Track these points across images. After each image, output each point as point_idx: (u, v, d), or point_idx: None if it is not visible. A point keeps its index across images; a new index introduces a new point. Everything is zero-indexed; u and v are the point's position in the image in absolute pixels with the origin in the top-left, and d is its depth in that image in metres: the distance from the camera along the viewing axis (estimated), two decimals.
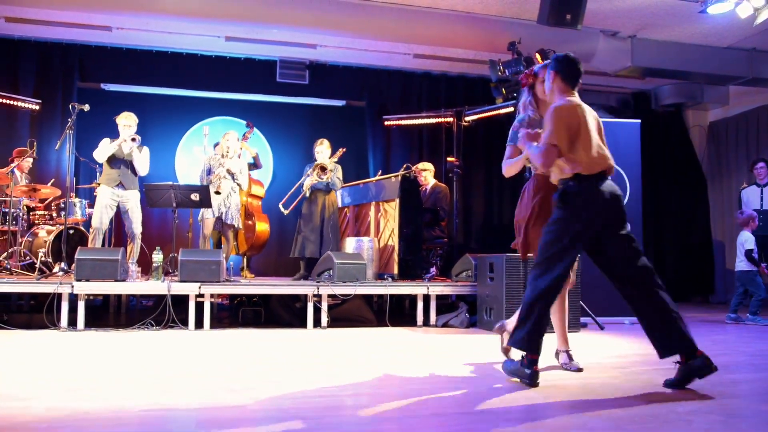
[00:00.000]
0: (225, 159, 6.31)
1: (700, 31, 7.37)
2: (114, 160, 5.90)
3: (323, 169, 6.38)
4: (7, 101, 7.17)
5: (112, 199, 5.87)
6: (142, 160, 5.98)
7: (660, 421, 2.41)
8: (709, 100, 9.26)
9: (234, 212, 6.31)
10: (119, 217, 6.18)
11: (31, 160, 6.76)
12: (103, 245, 6.15)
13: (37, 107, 7.34)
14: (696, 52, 7.76)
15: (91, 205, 6.75)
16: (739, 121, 9.43)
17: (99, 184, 6.00)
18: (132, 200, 5.92)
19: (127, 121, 5.96)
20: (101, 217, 5.82)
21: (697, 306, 8.63)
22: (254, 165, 7.23)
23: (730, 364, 3.76)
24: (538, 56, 6.12)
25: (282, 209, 6.82)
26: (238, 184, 6.37)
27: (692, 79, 8.56)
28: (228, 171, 6.26)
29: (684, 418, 2.45)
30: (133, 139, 5.88)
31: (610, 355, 4.10)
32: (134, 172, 5.98)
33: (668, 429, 2.30)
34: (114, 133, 6.10)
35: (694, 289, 9.56)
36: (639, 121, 6.59)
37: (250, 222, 7.00)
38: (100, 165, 6.12)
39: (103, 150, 5.87)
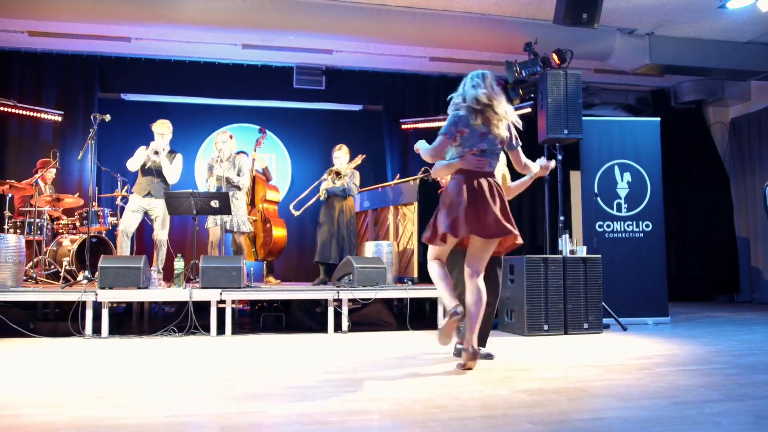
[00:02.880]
0: (218, 164, 6.27)
1: (720, 26, 7.27)
2: (145, 169, 6.05)
3: (338, 174, 6.40)
4: (31, 113, 7.30)
5: (140, 206, 6.01)
6: (171, 169, 6.05)
7: (688, 422, 2.37)
8: (730, 96, 9.13)
9: (240, 218, 6.27)
10: (144, 225, 6.28)
11: (54, 170, 6.88)
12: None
13: (60, 118, 7.47)
14: (715, 47, 7.66)
15: (114, 214, 6.85)
16: (761, 117, 9.27)
17: (132, 193, 6.16)
18: (159, 208, 6.01)
19: (160, 129, 6.06)
20: (126, 221, 5.97)
21: (723, 305, 8.49)
22: (264, 176, 7.25)
23: (759, 365, 3.69)
24: (554, 56, 6.09)
25: (293, 211, 6.85)
26: (237, 187, 6.28)
27: (712, 76, 8.44)
28: (220, 178, 6.19)
29: (712, 420, 2.41)
30: (156, 152, 5.95)
31: (633, 356, 4.05)
32: (165, 181, 6.07)
33: (697, 431, 2.26)
34: (137, 142, 6.19)
35: (719, 288, 9.40)
36: (659, 119, 6.52)
37: (267, 225, 7.03)
38: (133, 174, 6.23)
39: (133, 160, 6.04)
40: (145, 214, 6.11)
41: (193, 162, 8.52)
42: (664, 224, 6.37)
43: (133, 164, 6.07)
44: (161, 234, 6.06)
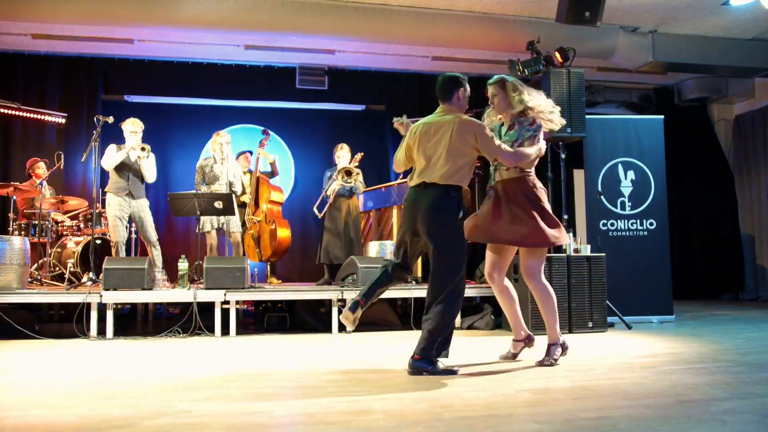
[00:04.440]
0: (222, 166, 6.26)
1: (723, 23, 7.25)
2: (122, 168, 5.88)
3: (348, 173, 6.38)
4: (35, 115, 7.31)
5: (122, 210, 5.85)
6: (151, 168, 5.98)
7: (693, 421, 2.37)
8: (734, 93, 9.09)
9: (235, 220, 6.26)
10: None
11: (43, 165, 6.85)
12: (128, 254, 6.23)
13: (63, 120, 7.48)
14: (719, 45, 7.63)
15: None
16: (765, 114, 9.23)
17: (106, 193, 5.98)
18: (141, 208, 5.94)
19: (133, 128, 5.90)
20: (118, 230, 5.83)
21: (728, 304, 8.47)
22: (271, 173, 7.26)
23: (764, 363, 3.68)
24: (557, 55, 6.07)
25: (317, 212, 6.80)
26: (234, 192, 6.29)
27: (716, 73, 8.41)
28: (230, 182, 6.24)
29: (718, 418, 2.40)
30: (143, 149, 5.86)
31: (638, 355, 4.04)
32: (142, 179, 5.99)
33: (702, 429, 2.26)
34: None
35: (724, 286, 9.37)
36: (662, 117, 6.50)
37: (272, 226, 7.05)
38: (107, 172, 6.09)
39: (111, 158, 5.86)
40: (129, 215, 5.95)
41: (195, 163, 8.53)
42: (668, 222, 6.35)
43: (111, 162, 5.86)
44: (150, 234, 5.97)
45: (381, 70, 8.69)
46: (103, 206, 6.88)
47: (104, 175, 7.50)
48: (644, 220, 6.23)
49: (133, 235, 6.58)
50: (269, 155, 7.25)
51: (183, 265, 5.41)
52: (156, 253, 5.99)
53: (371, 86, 8.80)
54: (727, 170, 9.68)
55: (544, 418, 2.41)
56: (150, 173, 5.98)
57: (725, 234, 9.50)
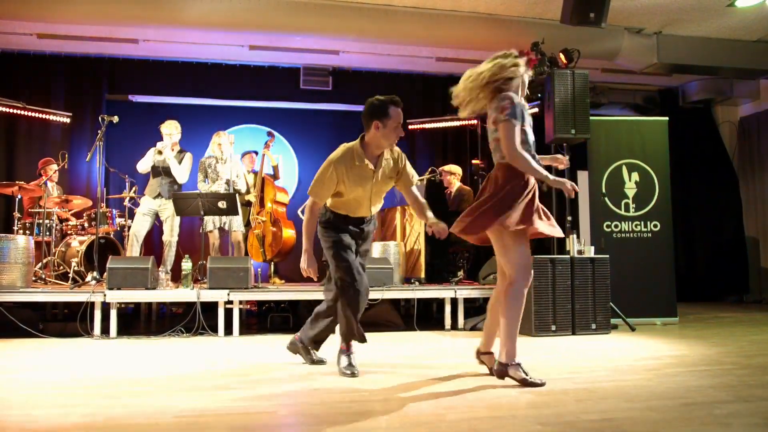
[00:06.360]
0: (223, 165, 6.29)
1: (728, 25, 7.23)
2: (155, 171, 6.13)
3: None
4: (40, 115, 7.34)
5: (150, 208, 6.09)
6: (178, 169, 6.09)
7: (697, 423, 2.36)
8: (739, 95, 9.08)
9: (237, 219, 6.26)
10: (154, 226, 6.33)
11: (55, 166, 6.89)
12: (140, 251, 6.29)
13: (68, 120, 7.50)
14: (724, 46, 7.62)
15: (122, 215, 6.89)
16: None
17: (143, 195, 6.26)
18: (169, 209, 6.06)
19: (167, 130, 6.12)
20: (137, 224, 6.07)
21: (732, 306, 8.44)
22: (273, 176, 7.26)
23: None
24: (561, 56, 6.06)
25: (300, 215, 6.81)
26: (237, 190, 6.32)
27: (721, 74, 8.39)
28: (228, 181, 6.26)
29: (722, 421, 2.39)
30: (159, 152, 6.00)
31: (642, 357, 4.03)
32: (175, 181, 6.13)
33: None
34: (144, 143, 6.23)
35: (728, 288, 9.34)
36: (666, 118, 6.48)
37: (275, 229, 7.06)
38: (145, 176, 6.33)
39: (142, 161, 6.13)
40: (156, 215, 6.14)
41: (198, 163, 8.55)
42: (672, 224, 6.34)
43: (141, 166, 6.16)
44: (170, 235, 6.10)
45: (385, 71, 8.70)
46: (109, 206, 6.94)
47: (109, 175, 7.55)
48: (648, 222, 6.22)
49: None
50: (273, 157, 7.26)
51: (186, 264, 5.42)
52: (169, 254, 6.08)
53: (375, 87, 8.74)
54: (731, 172, 9.66)
55: (547, 420, 2.41)
56: (178, 174, 6.12)
57: (729, 236, 9.48)
